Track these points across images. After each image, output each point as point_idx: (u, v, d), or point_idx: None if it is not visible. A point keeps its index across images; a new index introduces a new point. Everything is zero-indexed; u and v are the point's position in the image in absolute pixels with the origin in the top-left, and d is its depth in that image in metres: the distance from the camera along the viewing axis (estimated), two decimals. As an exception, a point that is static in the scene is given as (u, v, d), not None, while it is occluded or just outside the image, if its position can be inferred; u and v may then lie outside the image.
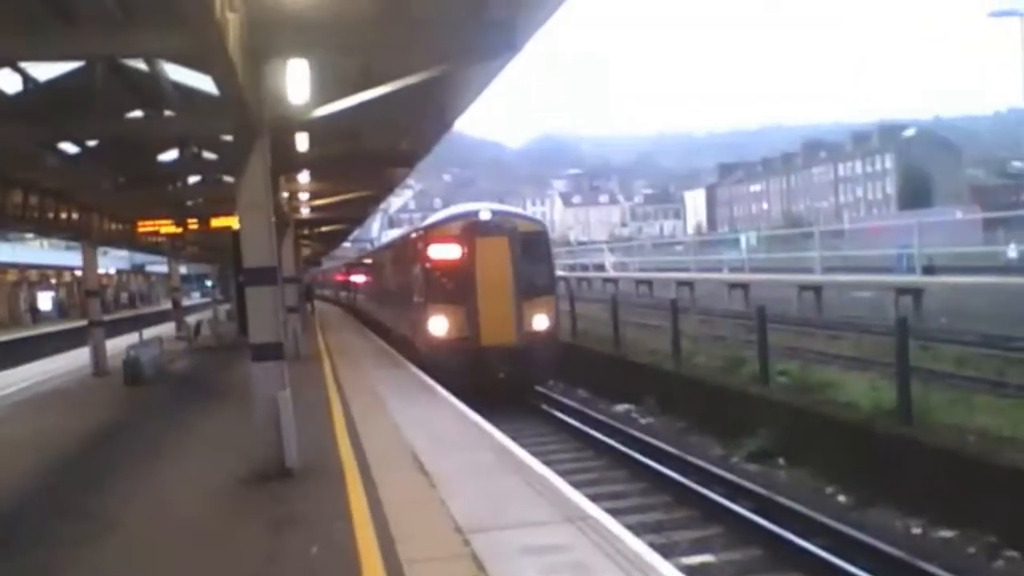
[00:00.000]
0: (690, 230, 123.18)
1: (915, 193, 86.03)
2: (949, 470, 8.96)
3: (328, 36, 8.97)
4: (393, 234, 51.45)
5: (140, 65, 11.44)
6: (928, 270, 21.59)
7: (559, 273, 37.31)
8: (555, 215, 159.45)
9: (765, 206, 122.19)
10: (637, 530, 8.59)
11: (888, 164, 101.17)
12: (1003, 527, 8.22)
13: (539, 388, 17.27)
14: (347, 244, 63.03)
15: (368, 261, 35.31)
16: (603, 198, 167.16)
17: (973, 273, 21.58)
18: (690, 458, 11.55)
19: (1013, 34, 26.17)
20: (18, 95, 11.15)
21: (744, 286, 26.52)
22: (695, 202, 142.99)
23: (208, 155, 16.73)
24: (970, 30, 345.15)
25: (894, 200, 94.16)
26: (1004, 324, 16.42)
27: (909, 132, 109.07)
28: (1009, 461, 8.42)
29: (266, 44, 8.35)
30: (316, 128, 12.85)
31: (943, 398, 10.59)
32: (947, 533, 8.66)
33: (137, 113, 13.28)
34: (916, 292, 19.15)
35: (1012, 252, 24.62)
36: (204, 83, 11.17)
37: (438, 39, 9.55)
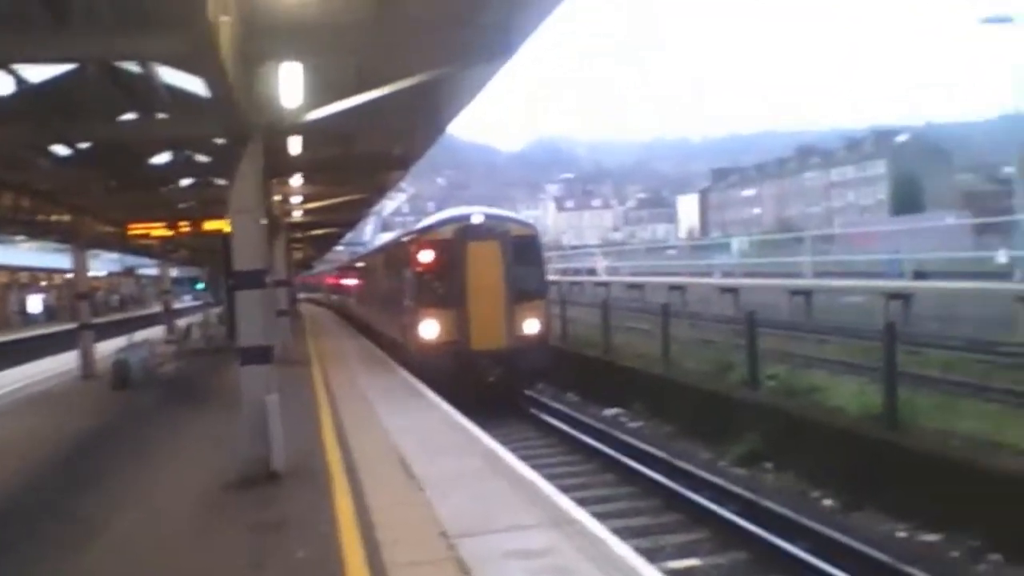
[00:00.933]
0: (683, 235, 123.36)
1: (907, 198, 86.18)
2: (934, 474, 9.02)
3: (322, 39, 9.01)
4: (385, 237, 51.43)
5: (134, 67, 11.44)
6: (919, 275, 21.75)
7: (551, 277, 37.49)
8: (548, 219, 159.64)
9: (758, 211, 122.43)
10: (624, 534, 8.63)
11: (881, 169, 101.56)
12: (987, 531, 8.28)
13: (529, 392, 17.29)
14: (340, 247, 62.98)
15: (360, 264, 35.31)
16: (596, 202, 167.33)
17: (964, 278, 21.70)
18: (678, 462, 11.60)
19: (1005, 41, 26.31)
20: (10, 97, 11.14)
21: (735, 290, 26.64)
22: (688, 207, 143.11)
23: (200, 158, 16.71)
24: (962, 37, 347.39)
25: (887, 205, 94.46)
26: (992, 329, 16.54)
27: (902, 138, 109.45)
28: (992, 465, 8.49)
29: (260, 47, 8.39)
30: (309, 131, 12.87)
31: (929, 403, 10.66)
32: (932, 537, 8.72)
33: (130, 115, 13.27)
34: (905, 297, 19.29)
35: (1002, 257, 24.73)
36: (198, 86, 11.19)
37: (433, 42, 9.60)
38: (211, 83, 7.23)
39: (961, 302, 20.35)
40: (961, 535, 8.47)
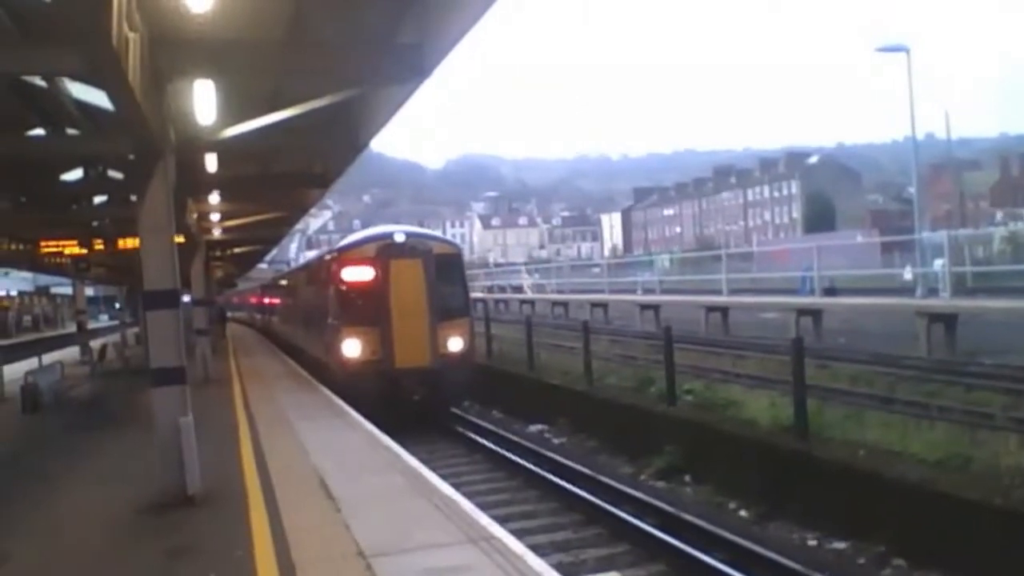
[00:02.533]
0: (607, 252, 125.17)
1: (819, 217, 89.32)
2: (841, 483, 9.35)
3: (235, 57, 8.92)
4: (310, 255, 50.71)
5: (40, 82, 11.12)
6: (829, 291, 22.52)
7: (477, 295, 37.53)
8: (474, 237, 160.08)
9: (678, 229, 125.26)
10: (546, 549, 8.75)
11: (794, 189, 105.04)
12: (892, 537, 8.61)
13: (454, 409, 17.27)
14: (263, 265, 61.97)
15: (283, 283, 34.78)
16: (522, 220, 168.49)
17: (871, 294, 22.56)
18: (600, 477, 11.72)
19: (902, 67, 27.54)
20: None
21: (655, 307, 27.10)
22: (611, 225, 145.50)
23: (114, 174, 16.28)
24: (864, 62, 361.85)
25: (800, 224, 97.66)
26: (897, 343, 17.22)
27: (813, 159, 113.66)
28: (896, 474, 8.84)
29: (170, 64, 8.26)
30: (226, 149, 12.68)
31: (837, 414, 11.04)
32: (840, 544, 9.03)
33: (38, 131, 12.86)
34: (815, 313, 19.92)
35: (907, 274, 25.78)
36: (107, 101, 10.93)
37: (347, 63, 9.59)
38: (118, 99, 7.07)
39: (869, 317, 21.15)
40: (867, 542, 8.79)
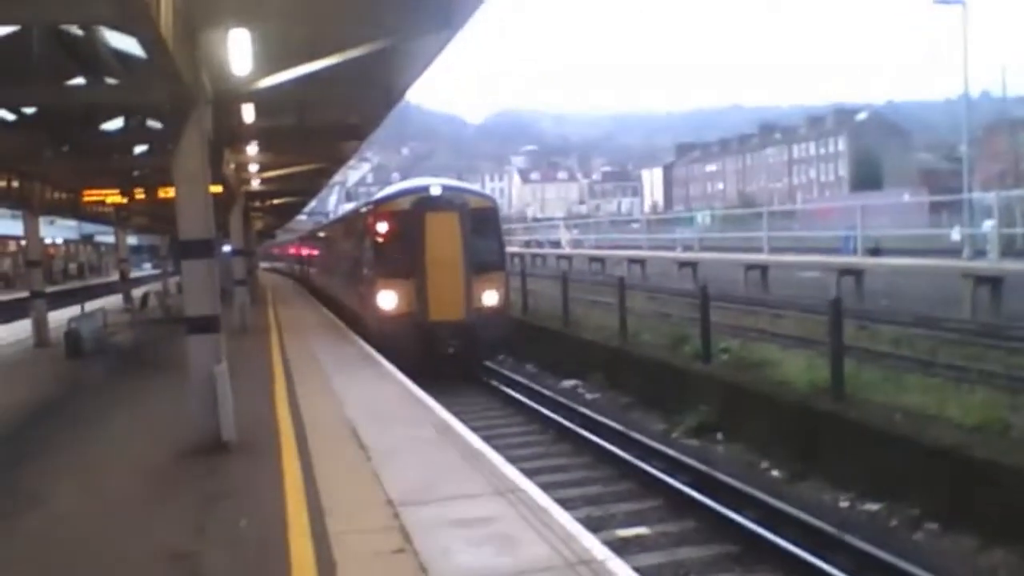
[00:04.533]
0: (647, 208, 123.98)
1: (866, 175, 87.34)
2: (876, 446, 9.21)
3: (269, 5, 8.84)
4: (348, 207, 50.94)
5: (77, 30, 11.15)
6: (873, 252, 22.09)
7: (514, 249, 37.48)
8: (513, 191, 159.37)
9: (721, 186, 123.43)
10: (576, 502, 8.80)
11: (841, 147, 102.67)
12: (927, 500, 8.49)
13: (488, 363, 17.34)
14: (303, 217, 62.44)
15: (321, 235, 35.04)
16: (562, 175, 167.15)
17: (917, 255, 22.08)
18: (632, 433, 11.71)
19: (957, 21, 26.68)
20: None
21: (694, 264, 26.84)
22: (653, 180, 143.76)
23: (153, 124, 16.38)
24: (921, 17, 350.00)
25: (846, 182, 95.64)
26: (940, 305, 16.88)
27: (862, 115, 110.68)
28: (932, 438, 8.69)
29: (204, 12, 8.22)
30: (262, 99, 12.67)
31: (875, 377, 10.86)
32: (873, 506, 8.92)
33: (78, 80, 12.94)
34: (857, 273, 19.56)
35: (955, 235, 25.19)
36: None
37: (377, 10, 9.46)
38: (150, 48, 7.04)
39: (913, 278, 20.72)
40: (901, 504, 8.68)
